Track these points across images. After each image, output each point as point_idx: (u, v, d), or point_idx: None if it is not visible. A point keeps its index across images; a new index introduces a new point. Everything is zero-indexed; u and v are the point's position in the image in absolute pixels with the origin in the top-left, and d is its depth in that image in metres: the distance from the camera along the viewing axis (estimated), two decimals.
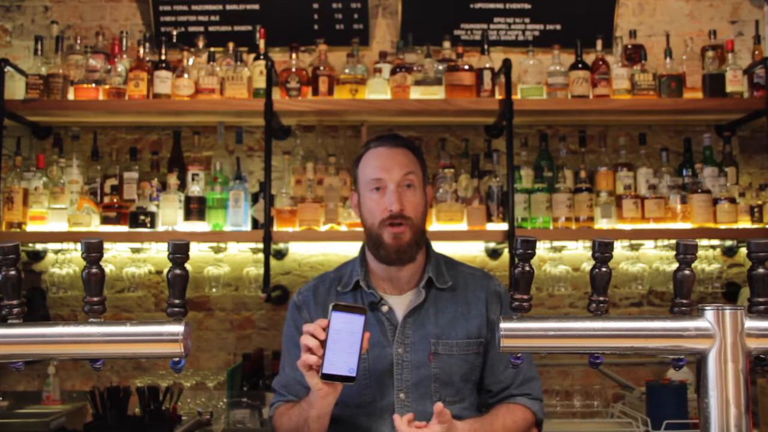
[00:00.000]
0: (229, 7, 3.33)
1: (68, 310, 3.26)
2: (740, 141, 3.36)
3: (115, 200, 3.03)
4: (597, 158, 3.22)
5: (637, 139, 3.23)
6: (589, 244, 3.13)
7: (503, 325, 1.01)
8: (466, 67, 3.08)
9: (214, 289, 3.12)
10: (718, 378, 0.98)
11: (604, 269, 1.03)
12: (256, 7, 3.32)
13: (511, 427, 1.87)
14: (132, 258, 3.14)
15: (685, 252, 1.02)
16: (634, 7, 3.43)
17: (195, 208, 3.01)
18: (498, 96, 3.07)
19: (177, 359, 1.03)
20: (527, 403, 1.92)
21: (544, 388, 3.10)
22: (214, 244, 3.06)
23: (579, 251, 3.21)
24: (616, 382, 3.13)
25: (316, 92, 3.09)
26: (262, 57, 3.10)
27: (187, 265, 1.04)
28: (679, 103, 3.07)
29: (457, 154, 3.27)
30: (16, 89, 3.18)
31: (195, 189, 3.04)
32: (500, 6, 3.34)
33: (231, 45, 3.18)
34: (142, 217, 2.97)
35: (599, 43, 3.17)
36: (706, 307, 1.00)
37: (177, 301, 1.03)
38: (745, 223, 3.02)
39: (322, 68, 3.10)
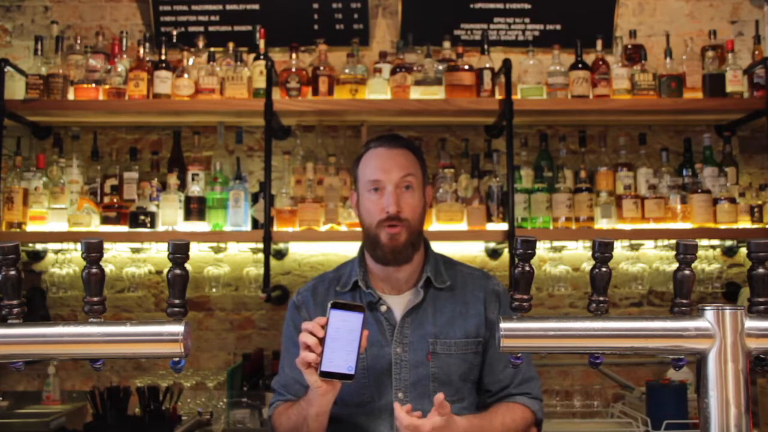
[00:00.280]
0: (229, 7, 3.33)
1: (68, 310, 3.26)
2: (740, 141, 3.36)
3: (115, 200, 3.03)
4: (597, 158, 3.22)
5: (637, 139, 3.23)
6: (589, 244, 3.13)
7: (503, 325, 1.01)
8: (466, 67, 3.08)
9: (214, 289, 3.12)
10: (718, 378, 0.98)
11: (604, 269, 1.04)
12: (256, 7, 3.32)
13: (510, 425, 1.86)
14: (132, 258, 3.14)
15: (685, 252, 1.02)
16: (634, 7, 3.43)
17: (195, 208, 3.01)
18: (498, 96, 3.07)
19: (177, 359, 1.03)
20: (526, 402, 1.92)
21: (544, 388, 3.10)
22: (214, 244, 3.06)
23: (579, 251, 3.21)
24: (616, 382, 3.13)
25: (316, 92, 3.09)
26: (262, 57, 3.10)
27: (187, 265, 1.04)
28: (679, 103, 3.07)
29: (457, 154, 3.27)
30: (16, 89, 3.18)
31: (195, 189, 3.04)
32: (500, 6, 3.34)
33: (231, 45, 3.18)
34: (142, 217, 2.97)
35: (599, 43, 3.17)
36: (706, 307, 1.00)
37: (177, 301, 1.03)
38: (745, 223, 3.02)
39: (322, 68, 3.10)
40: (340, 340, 1.62)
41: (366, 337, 1.66)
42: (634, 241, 3.10)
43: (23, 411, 2.94)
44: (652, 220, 3.01)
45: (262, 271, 2.94)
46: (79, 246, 2.90)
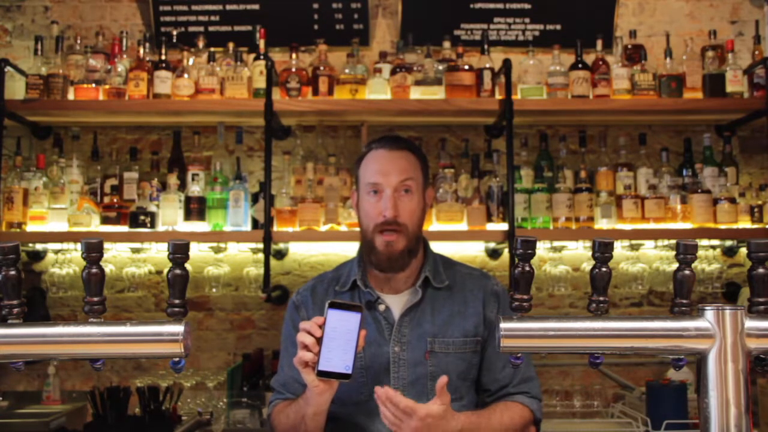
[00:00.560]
0: (229, 7, 3.33)
1: (68, 310, 3.26)
2: (740, 141, 3.36)
3: (115, 200, 3.03)
4: (597, 158, 3.22)
5: (637, 139, 3.23)
6: (589, 244, 3.13)
7: (503, 325, 1.01)
8: (466, 67, 3.08)
9: (214, 289, 3.12)
10: (718, 378, 0.98)
11: (604, 269, 1.03)
12: (256, 7, 3.32)
13: (508, 423, 1.86)
14: (132, 258, 3.14)
15: (685, 252, 1.02)
16: (634, 7, 3.43)
17: (195, 208, 3.01)
18: (498, 96, 3.07)
19: (177, 359, 1.03)
20: (525, 401, 1.92)
21: (544, 388, 3.10)
22: (214, 244, 3.06)
23: (579, 251, 3.21)
24: (616, 382, 3.13)
25: (316, 92, 3.09)
26: (262, 57, 3.10)
27: (187, 265, 1.04)
28: (679, 103, 3.07)
29: (457, 154, 3.27)
30: (16, 89, 3.18)
31: (195, 189, 3.04)
32: (500, 6, 3.34)
33: (231, 45, 3.18)
34: (142, 217, 2.97)
35: (599, 43, 3.17)
36: (706, 307, 1.00)
37: (177, 301, 1.03)
38: (745, 223, 3.02)
39: (322, 68, 3.10)
40: (337, 340, 1.62)
41: (363, 336, 1.67)
42: (634, 241, 3.10)
43: (23, 411, 2.94)
44: (652, 220, 3.01)
45: (262, 271, 2.94)
46: (79, 246, 2.90)
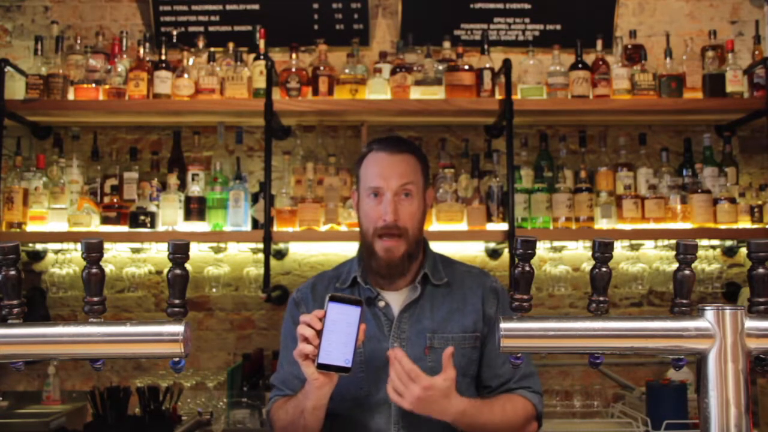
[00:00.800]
0: (229, 7, 3.33)
1: (68, 310, 3.26)
2: (740, 141, 3.36)
3: (115, 200, 3.03)
4: (597, 158, 3.22)
5: (637, 139, 3.23)
6: (589, 244, 3.13)
7: (503, 325, 1.01)
8: (466, 67, 3.08)
9: (214, 289, 3.12)
10: (718, 378, 0.98)
11: (604, 269, 1.03)
12: (256, 7, 3.32)
13: (510, 414, 1.87)
14: (132, 258, 3.14)
15: (685, 252, 1.02)
16: (634, 7, 3.43)
17: (195, 208, 3.01)
18: (498, 96, 3.08)
19: (177, 359, 1.03)
20: (527, 395, 1.93)
21: (544, 388, 3.09)
22: (214, 244, 3.06)
23: (579, 251, 3.21)
24: (616, 382, 3.13)
25: (316, 92, 3.09)
26: (262, 57, 3.10)
27: (187, 265, 1.04)
28: (679, 103, 3.07)
29: (457, 154, 3.27)
30: (16, 89, 3.18)
31: (195, 189, 3.04)
32: (500, 6, 3.34)
33: (231, 45, 3.18)
34: (142, 217, 2.97)
35: (599, 43, 3.17)
36: (706, 307, 1.00)
37: (177, 301, 1.03)
38: (745, 223, 3.02)
39: (322, 68, 3.10)
40: (337, 333, 1.63)
41: (363, 330, 1.68)
42: (634, 241, 3.10)
43: (23, 411, 2.94)
44: (652, 220, 3.01)
45: (262, 271, 2.94)
46: (79, 246, 2.90)
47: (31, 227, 3.01)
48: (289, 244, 3.19)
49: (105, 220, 3.00)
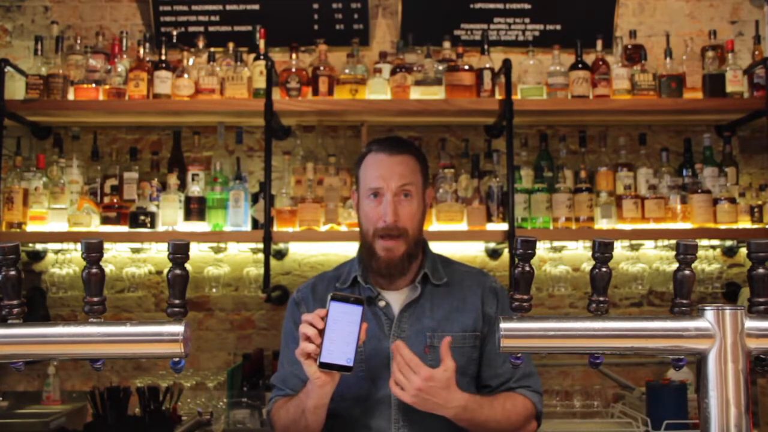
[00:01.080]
0: (229, 7, 3.33)
1: (68, 310, 3.26)
2: (740, 141, 3.36)
3: (115, 200, 3.03)
4: (597, 158, 3.22)
5: (637, 139, 3.23)
6: (589, 244, 3.13)
7: (503, 325, 1.01)
8: (466, 67, 3.08)
9: (214, 289, 3.12)
10: (718, 378, 0.98)
11: (604, 269, 1.03)
12: (256, 7, 3.32)
13: (511, 411, 1.87)
14: (132, 258, 3.14)
15: (685, 252, 1.02)
16: (634, 7, 3.43)
17: (195, 208, 3.01)
18: (498, 96, 3.08)
19: (177, 359, 1.03)
20: (527, 393, 1.93)
21: (544, 388, 3.09)
22: (214, 244, 3.06)
23: (579, 251, 3.21)
24: (616, 382, 3.13)
25: (316, 92, 3.09)
26: (262, 57, 3.10)
27: (187, 265, 1.04)
28: (679, 103, 3.07)
29: (457, 154, 3.26)
30: (16, 89, 3.18)
31: (195, 189, 3.04)
32: (500, 6, 3.34)
33: (231, 45, 3.18)
34: (142, 217, 2.97)
35: (599, 43, 3.17)
36: (706, 307, 1.00)
37: (177, 301, 1.03)
38: (745, 223, 3.02)
39: (322, 68, 3.10)
40: (339, 332, 1.63)
41: (365, 329, 1.68)
42: (634, 241, 3.10)
43: (23, 411, 2.94)
44: (652, 220, 3.01)
45: (262, 271, 2.94)
46: (79, 246, 2.90)
47: (31, 227, 3.01)
48: (289, 244, 3.19)
49: (105, 220, 3.00)
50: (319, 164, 3.13)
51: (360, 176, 2.01)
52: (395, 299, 1.97)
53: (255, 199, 3.06)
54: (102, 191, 3.09)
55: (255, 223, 3.03)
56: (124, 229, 3.00)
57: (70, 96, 3.07)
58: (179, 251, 1.03)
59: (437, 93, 3.07)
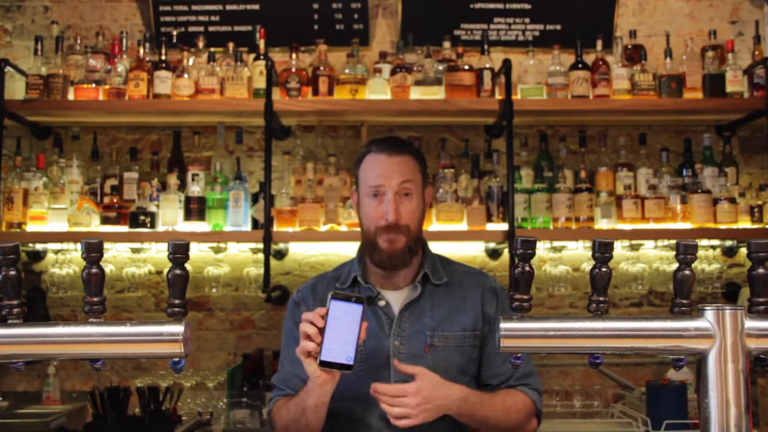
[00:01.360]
0: (229, 7, 3.33)
1: (68, 310, 3.26)
2: (740, 141, 3.36)
3: (115, 200, 3.03)
4: (597, 158, 3.22)
5: (637, 139, 3.23)
6: (589, 244, 3.13)
7: (503, 325, 1.01)
8: (466, 67, 3.08)
9: (214, 289, 3.12)
10: (718, 378, 0.98)
11: (604, 269, 1.03)
12: (256, 7, 3.32)
13: (511, 407, 1.88)
14: (132, 258, 3.14)
15: (685, 252, 1.02)
16: (634, 7, 3.43)
17: (195, 208, 3.01)
18: (498, 96, 3.07)
19: (177, 359, 1.03)
20: (527, 391, 1.94)
21: (544, 388, 3.09)
22: (214, 244, 3.06)
23: (579, 251, 3.21)
24: (616, 382, 3.13)
25: (316, 92, 3.09)
26: (262, 57, 3.10)
27: (187, 265, 1.04)
28: (679, 103, 3.07)
29: (457, 154, 3.26)
30: (16, 89, 3.18)
31: (195, 189, 3.04)
32: (500, 6, 3.34)
33: (231, 45, 3.18)
34: (142, 217, 2.97)
35: (599, 43, 3.17)
36: (706, 307, 1.00)
37: (177, 301, 1.03)
38: (745, 223, 3.02)
39: (322, 68, 3.10)
40: (339, 331, 1.64)
41: (365, 328, 1.69)
42: (634, 241, 3.10)
43: (23, 411, 2.94)
44: (652, 220, 3.01)
45: (262, 271, 2.94)
46: (79, 246, 2.90)
47: (31, 227, 3.01)
48: (289, 244, 3.19)
49: (105, 220, 3.00)
50: (319, 164, 3.13)
51: (360, 176, 2.01)
52: (395, 299, 1.98)
53: (255, 199, 3.06)
54: (102, 191, 3.09)
55: (255, 223, 3.03)
56: (124, 229, 3.00)
57: (70, 96, 3.07)
58: (179, 251, 1.03)
59: (437, 93, 3.07)
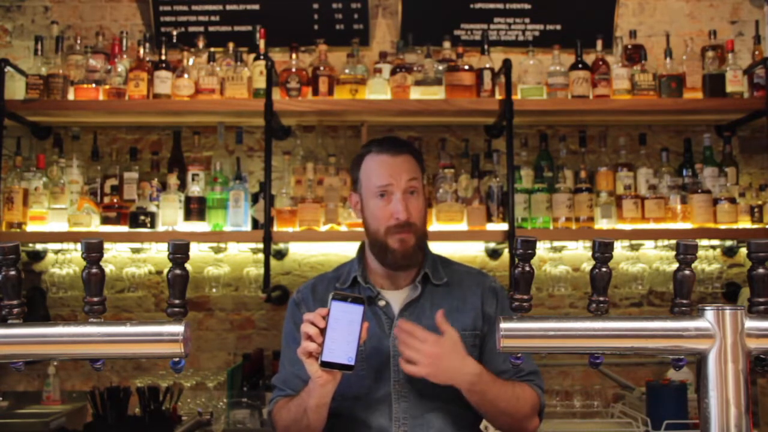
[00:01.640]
0: (229, 7, 3.33)
1: (68, 310, 3.26)
2: (740, 141, 3.36)
3: (115, 200, 3.03)
4: (597, 158, 3.22)
5: (637, 139, 3.23)
6: (589, 244, 3.13)
7: (503, 325, 1.01)
8: (466, 67, 3.08)
9: (214, 289, 3.12)
10: (718, 378, 0.98)
11: (604, 269, 1.03)
12: (256, 7, 3.32)
13: (520, 395, 1.88)
14: (132, 258, 3.14)
15: (685, 252, 1.02)
16: (634, 7, 3.43)
17: (195, 208, 3.01)
18: (498, 96, 3.07)
19: (177, 359, 1.03)
20: (532, 385, 1.94)
21: (544, 388, 3.10)
22: (214, 244, 3.06)
23: (579, 251, 3.21)
24: (616, 382, 3.13)
25: (316, 92, 3.09)
26: (262, 57, 3.10)
27: (187, 265, 1.04)
28: (679, 103, 3.07)
29: (457, 154, 3.26)
30: (16, 89, 3.18)
31: (195, 189, 3.04)
32: (500, 6, 3.34)
33: (231, 45, 3.18)
34: (142, 217, 2.97)
35: (599, 43, 3.17)
36: (706, 307, 1.00)
37: (177, 301, 1.02)
38: (745, 223, 3.02)
39: (322, 68, 3.10)
40: (340, 331, 1.64)
41: (366, 328, 1.69)
42: (634, 241, 3.10)
43: (23, 411, 2.94)
44: (652, 220, 3.01)
45: (262, 271, 2.94)
46: (79, 246, 2.90)
47: (31, 227, 3.01)
48: (289, 244, 3.19)
49: (105, 220, 3.00)
50: (319, 164, 3.13)
51: (362, 177, 2.01)
52: (395, 299, 1.98)
53: (255, 199, 3.06)
54: (102, 191, 3.09)
55: (255, 223, 3.03)
56: (124, 229, 3.00)
57: (70, 96, 3.07)
58: (179, 251, 1.03)
59: (437, 93, 3.07)
